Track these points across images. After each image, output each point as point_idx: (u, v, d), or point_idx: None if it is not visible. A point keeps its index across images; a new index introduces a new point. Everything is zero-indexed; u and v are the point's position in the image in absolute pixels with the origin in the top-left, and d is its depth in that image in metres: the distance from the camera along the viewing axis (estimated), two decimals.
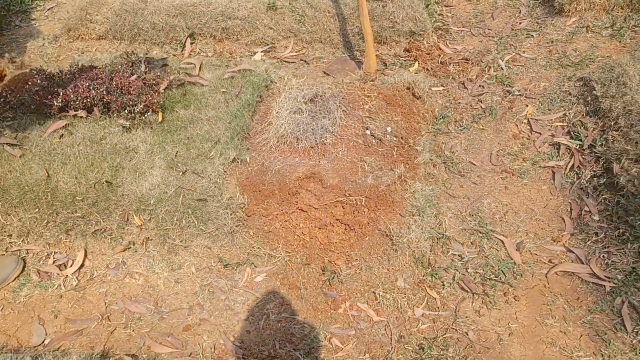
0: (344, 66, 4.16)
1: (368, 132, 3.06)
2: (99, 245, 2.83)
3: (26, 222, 2.80)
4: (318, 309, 2.55)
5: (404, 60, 4.11)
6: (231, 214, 2.72)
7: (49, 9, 5.33)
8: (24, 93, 3.22)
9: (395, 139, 3.10)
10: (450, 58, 4.07)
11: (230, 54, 4.56)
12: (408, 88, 3.57)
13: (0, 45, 4.83)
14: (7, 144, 3.01)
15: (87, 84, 3.12)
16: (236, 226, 2.73)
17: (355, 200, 2.74)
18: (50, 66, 4.30)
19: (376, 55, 4.18)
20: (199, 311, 2.58)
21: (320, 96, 3.16)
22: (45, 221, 2.79)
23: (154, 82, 3.25)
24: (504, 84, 3.71)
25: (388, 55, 4.23)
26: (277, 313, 2.55)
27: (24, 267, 2.74)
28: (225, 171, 2.84)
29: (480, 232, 2.81)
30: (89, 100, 3.10)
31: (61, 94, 3.08)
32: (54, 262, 2.79)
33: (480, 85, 3.77)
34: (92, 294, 2.68)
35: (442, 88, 3.81)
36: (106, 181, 2.78)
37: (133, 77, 3.23)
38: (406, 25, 4.18)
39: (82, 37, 4.87)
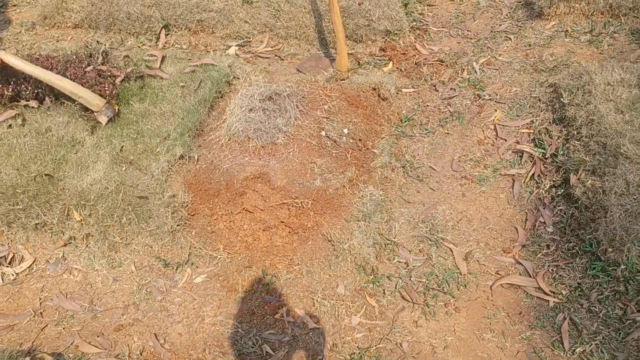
0: (317, 64, 4.08)
1: (323, 133, 2.97)
2: (40, 239, 2.77)
3: None
4: (255, 313, 2.48)
5: (379, 60, 4.02)
6: (172, 213, 2.65)
7: None
8: None
9: (352, 141, 3.01)
10: (425, 59, 3.97)
11: (205, 46, 4.48)
12: (374, 89, 3.48)
13: None
14: None
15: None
16: (177, 225, 2.66)
17: (301, 203, 2.66)
18: (23, 53, 4.24)
19: (351, 54, 4.10)
20: (134, 311, 2.52)
21: (278, 94, 3.07)
22: None
23: (109, 74, 3.18)
24: (476, 88, 3.61)
25: (363, 54, 4.14)
26: (212, 316, 2.48)
27: None
28: (170, 168, 2.77)
29: (430, 240, 2.72)
30: (40, 90, 3.04)
31: (12, 83, 3.02)
32: None
33: (451, 88, 3.68)
34: (28, 289, 2.63)
35: (413, 90, 3.72)
36: (46, 174, 2.71)
37: (89, 68, 3.16)
38: (382, 24, 4.08)
39: (58, 25, 4.80)
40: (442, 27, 4.30)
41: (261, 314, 2.48)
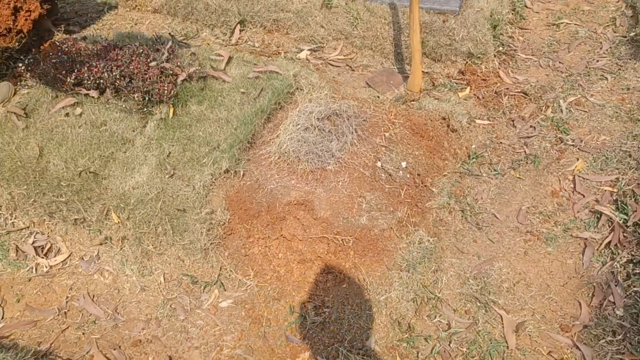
0: (389, 79, 3.85)
1: (379, 164, 2.75)
2: (78, 235, 2.75)
3: (15, 197, 2.77)
4: (275, 352, 2.32)
5: (456, 83, 3.73)
6: (207, 230, 2.53)
7: None
8: (47, 63, 3.17)
9: (409, 176, 2.77)
10: (507, 89, 3.63)
11: (277, 47, 4.36)
12: (444, 118, 3.21)
13: (64, 4, 4.90)
14: (15, 113, 2.98)
15: (103, 64, 3.02)
16: (211, 244, 2.54)
17: (342, 239, 2.47)
18: (100, 33, 4.29)
19: (426, 73, 3.84)
20: (155, 327, 2.43)
21: (338, 115, 2.88)
22: (32, 200, 2.74)
23: (171, 72, 3.10)
24: (559, 129, 3.25)
25: (440, 74, 3.86)
26: (231, 347, 2.35)
27: None
28: (213, 182, 2.65)
29: (479, 301, 2.45)
30: (102, 81, 3.00)
31: (75, 71, 3.00)
32: (33, 242, 2.73)
33: (531, 126, 3.33)
34: (58, 284, 2.61)
35: (488, 122, 3.41)
36: (91, 171, 2.67)
37: (153, 64, 3.09)
38: (465, 45, 3.78)
39: (139, 8, 4.85)
40: (532, 55, 3.93)
41: (282, 355, 2.31)
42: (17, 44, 3.53)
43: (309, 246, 2.49)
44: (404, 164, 2.78)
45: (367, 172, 2.70)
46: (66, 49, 3.18)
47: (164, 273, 2.60)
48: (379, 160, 2.76)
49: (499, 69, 3.80)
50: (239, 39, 4.41)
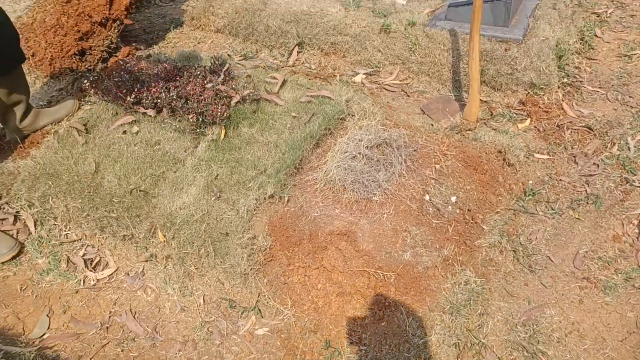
0: (445, 107, 3.76)
1: (427, 197, 2.67)
2: (126, 250, 2.81)
3: (70, 210, 2.87)
4: None
5: (515, 114, 3.59)
6: (248, 255, 2.52)
7: None
8: (110, 81, 3.30)
9: (458, 211, 2.67)
10: (570, 122, 3.46)
11: (334, 69, 4.38)
12: (500, 151, 3.08)
13: (134, 21, 5.15)
14: (76, 128, 3.10)
15: (162, 84, 3.10)
16: (251, 269, 2.53)
17: (384, 275, 2.39)
18: (164, 51, 4.44)
19: (485, 102, 3.72)
20: (191, 350, 2.43)
21: (388, 144, 2.82)
22: (86, 213, 2.83)
23: (226, 94, 3.15)
24: (625, 169, 3.05)
25: (499, 104, 3.73)
26: None
27: (19, 252, 2.79)
28: (257, 207, 2.65)
29: (527, 351, 2.30)
30: (159, 101, 3.09)
31: (135, 90, 3.11)
32: (83, 255, 2.82)
33: (594, 164, 3.15)
34: (103, 298, 2.67)
35: (548, 157, 3.25)
36: (142, 190, 2.73)
37: (209, 86, 3.15)
38: (527, 74, 3.64)
39: (202, 28, 5.00)
40: (599, 87, 3.73)
41: None
42: (116, 31, 3.78)
43: (349, 279, 2.43)
44: (453, 199, 2.67)
45: (414, 206, 2.61)
46: (129, 68, 3.30)
47: (204, 295, 2.61)
48: (428, 193, 2.68)
49: (563, 101, 3.63)
50: (296, 60, 4.45)
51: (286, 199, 2.70)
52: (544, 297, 2.53)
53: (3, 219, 2.90)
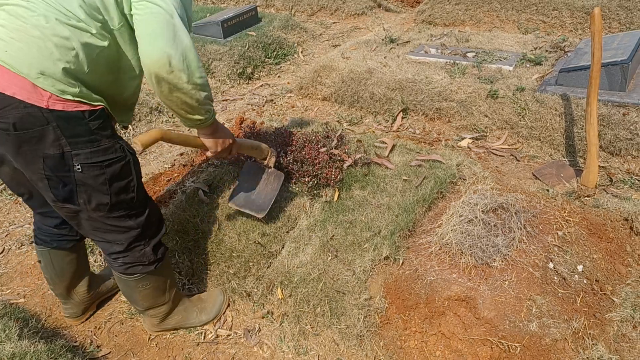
0: (559, 172, 3.65)
1: (551, 265, 2.56)
2: (243, 306, 2.91)
3: (194, 265, 3.04)
4: None
5: (638, 180, 3.41)
6: (365, 317, 2.52)
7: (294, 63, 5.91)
8: None
9: (585, 281, 2.53)
10: None
11: (438, 134, 4.42)
12: (626, 219, 2.92)
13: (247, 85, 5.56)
14: (202, 189, 3.34)
15: (279, 149, 3.29)
16: (367, 331, 2.52)
17: (508, 345, 2.29)
18: (274, 119, 4.72)
19: (603, 168, 3.58)
20: None
21: (505, 209, 2.77)
22: (207, 269, 2.99)
23: (339, 158, 3.27)
24: None
25: (618, 170, 3.58)
26: None
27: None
28: (373, 268, 2.67)
29: None
30: (277, 164, 3.26)
31: None
32: None
33: None
34: (222, 352, 2.75)
35: None
36: (259, 243, 2.86)
37: (323, 150, 3.30)
38: None
39: (310, 96, 5.28)
40: None
41: None
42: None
43: (469, 347, 2.35)
44: (580, 268, 2.54)
45: (537, 273, 2.51)
46: (249, 134, 3.54)
47: (319, 354, 2.62)
48: (551, 261, 2.57)
49: None
50: (400, 125, 4.55)
51: (401, 261, 2.70)
52: None
53: None
